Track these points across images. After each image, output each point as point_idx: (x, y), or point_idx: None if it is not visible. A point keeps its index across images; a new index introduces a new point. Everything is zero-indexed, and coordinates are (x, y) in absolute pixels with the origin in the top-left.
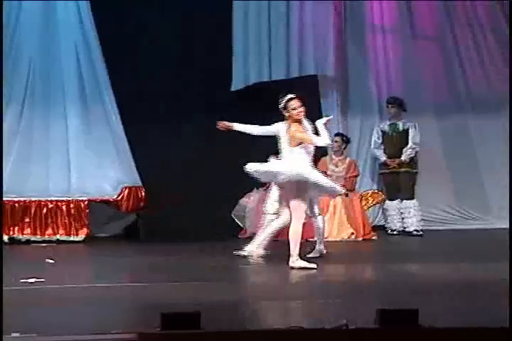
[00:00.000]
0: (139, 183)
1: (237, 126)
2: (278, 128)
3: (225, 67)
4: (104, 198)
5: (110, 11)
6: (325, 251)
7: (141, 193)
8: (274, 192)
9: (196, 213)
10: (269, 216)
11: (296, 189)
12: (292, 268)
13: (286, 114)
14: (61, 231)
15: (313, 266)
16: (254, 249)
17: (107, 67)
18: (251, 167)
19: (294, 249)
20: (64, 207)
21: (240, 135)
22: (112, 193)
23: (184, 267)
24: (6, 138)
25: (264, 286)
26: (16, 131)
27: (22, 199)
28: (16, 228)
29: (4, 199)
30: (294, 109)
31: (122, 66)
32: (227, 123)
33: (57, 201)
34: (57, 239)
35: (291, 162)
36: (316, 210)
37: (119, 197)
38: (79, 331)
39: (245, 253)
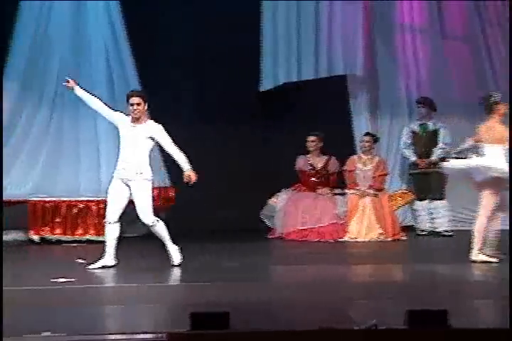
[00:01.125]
0: (168, 183)
1: (79, 91)
2: (118, 118)
3: (254, 68)
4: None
5: (140, 11)
6: None
7: (170, 193)
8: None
9: (225, 213)
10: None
11: (495, 185)
12: (474, 261)
13: (490, 111)
14: (91, 231)
15: (494, 260)
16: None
17: (136, 68)
18: (452, 164)
19: (478, 242)
20: (94, 207)
21: (271, 135)
22: None
23: (213, 267)
24: (36, 138)
25: (294, 286)
26: (46, 132)
27: (53, 199)
28: (47, 228)
29: (35, 199)
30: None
31: (152, 66)
32: (72, 82)
33: (87, 201)
34: (87, 239)
35: (496, 159)
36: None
37: None
38: (109, 331)
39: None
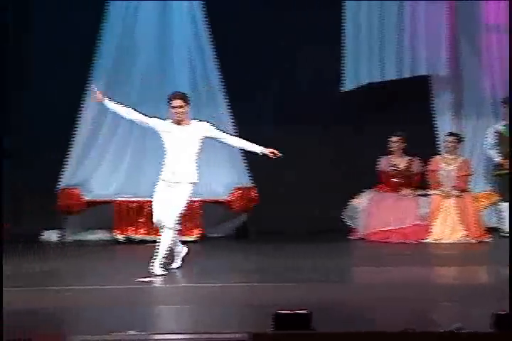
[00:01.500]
0: (251, 184)
1: (109, 104)
2: (158, 123)
3: (336, 68)
4: (216, 199)
5: (222, 11)
6: None
7: (252, 194)
8: None
9: (307, 213)
10: None
11: None
12: None
13: None
14: None
15: None
16: None
17: (218, 68)
18: None
19: None
20: None
21: (352, 136)
22: (224, 194)
23: (295, 267)
24: (122, 139)
25: (376, 287)
26: (131, 133)
27: (137, 199)
28: (132, 228)
29: (120, 199)
30: None
31: (234, 66)
32: (98, 95)
33: None
34: None
35: None
36: None
37: (231, 198)
38: (193, 330)
39: None
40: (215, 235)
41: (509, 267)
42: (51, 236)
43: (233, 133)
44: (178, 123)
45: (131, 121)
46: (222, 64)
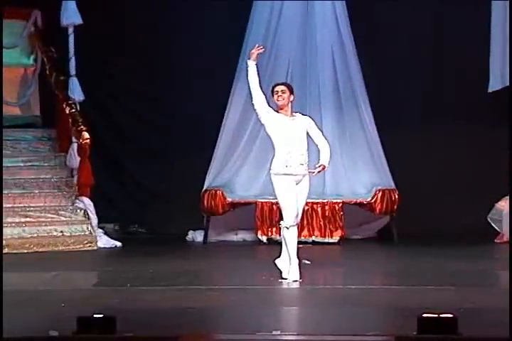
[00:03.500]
0: (392, 185)
1: (252, 67)
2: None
3: (482, 68)
4: (358, 200)
5: (364, 12)
6: None
7: (394, 195)
8: None
9: (450, 215)
10: None
11: None
12: None
13: None
14: (316, 232)
15: None
16: None
17: (361, 69)
18: None
19: None
20: (319, 209)
21: (499, 136)
22: (366, 195)
23: (439, 270)
24: (264, 141)
25: None
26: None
27: None
28: (274, 229)
29: (262, 200)
30: None
31: (375, 66)
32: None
33: (312, 203)
34: (313, 241)
35: None
36: None
37: (373, 200)
38: (336, 332)
39: None
40: (357, 237)
41: (509, 270)
42: (196, 236)
43: (375, 135)
44: (282, 108)
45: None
46: (364, 64)
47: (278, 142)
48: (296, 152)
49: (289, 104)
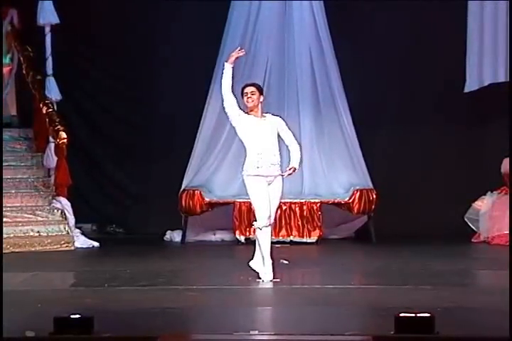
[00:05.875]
0: (370, 185)
1: (228, 71)
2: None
3: (458, 68)
4: (336, 200)
5: (341, 11)
6: None
7: (372, 195)
8: None
9: (428, 215)
10: None
11: None
12: None
13: None
14: (294, 232)
15: None
16: None
17: (339, 69)
18: None
19: None
20: (297, 209)
21: (475, 137)
22: (344, 195)
23: (415, 270)
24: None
25: (499, 292)
26: None
27: None
28: (252, 229)
29: (240, 200)
30: None
31: (353, 66)
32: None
33: (290, 203)
34: (291, 240)
35: None
36: None
37: (351, 200)
38: (314, 331)
39: None
40: (335, 237)
41: (509, 270)
42: (174, 236)
43: (353, 135)
44: (251, 110)
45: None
46: (343, 64)
47: (249, 144)
48: (268, 153)
49: (259, 105)
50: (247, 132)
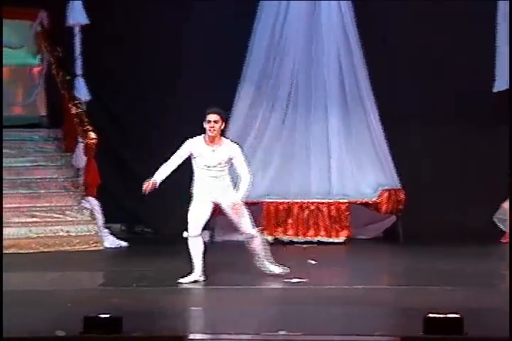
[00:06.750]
0: (398, 185)
1: (158, 177)
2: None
3: (488, 68)
4: (364, 200)
5: (369, 12)
6: None
7: (400, 195)
8: None
9: (457, 215)
10: None
11: None
12: None
13: None
14: (322, 232)
15: None
16: None
17: (367, 69)
18: None
19: None
20: (325, 209)
21: (503, 137)
22: (372, 195)
23: (445, 271)
24: (270, 142)
25: None
26: (279, 135)
27: (285, 201)
28: (280, 229)
29: (268, 200)
30: None
31: (381, 67)
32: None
33: (318, 203)
34: (318, 241)
35: None
36: None
37: (379, 200)
38: (342, 331)
39: None
40: (363, 237)
41: (509, 270)
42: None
43: (380, 135)
44: (212, 140)
45: (280, 125)
46: (370, 63)
47: (197, 170)
48: (214, 178)
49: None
50: (198, 161)
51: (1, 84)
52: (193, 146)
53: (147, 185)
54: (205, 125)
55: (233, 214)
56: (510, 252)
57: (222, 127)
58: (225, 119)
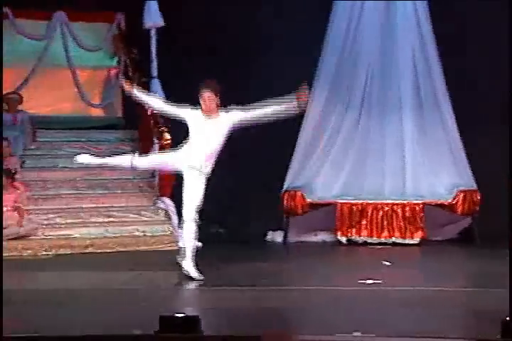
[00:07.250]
0: (474, 186)
1: (137, 92)
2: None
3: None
4: (439, 201)
5: (447, 11)
6: None
7: (476, 196)
8: None
9: None
10: None
11: None
12: None
13: None
14: (396, 233)
15: None
16: None
17: (442, 70)
18: None
19: None
20: (399, 210)
21: None
22: (447, 196)
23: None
24: (344, 142)
25: None
26: (353, 136)
27: (359, 201)
28: (354, 230)
29: (342, 201)
30: None
31: (456, 67)
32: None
33: (392, 204)
34: (393, 242)
35: None
36: None
37: (454, 201)
38: (416, 334)
39: None
40: (438, 238)
41: (509, 270)
42: (276, 236)
43: (456, 136)
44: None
45: (354, 125)
46: (445, 63)
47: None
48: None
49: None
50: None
51: (1, 84)
52: (190, 112)
53: (126, 85)
54: (201, 103)
55: None
56: (510, 252)
57: (218, 102)
58: (219, 91)
